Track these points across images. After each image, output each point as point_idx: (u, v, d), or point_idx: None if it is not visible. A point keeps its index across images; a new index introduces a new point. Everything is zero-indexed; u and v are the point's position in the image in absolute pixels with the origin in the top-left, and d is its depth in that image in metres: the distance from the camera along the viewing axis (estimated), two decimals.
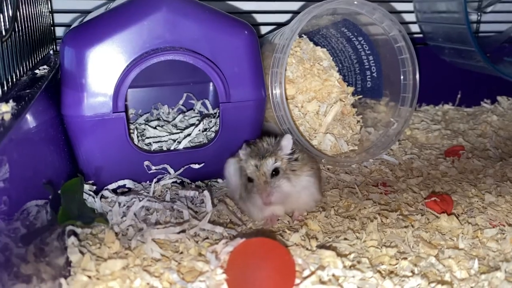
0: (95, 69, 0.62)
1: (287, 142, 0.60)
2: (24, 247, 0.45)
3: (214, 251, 0.50)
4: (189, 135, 0.74)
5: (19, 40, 0.61)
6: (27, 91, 0.55)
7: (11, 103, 0.48)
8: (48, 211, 0.53)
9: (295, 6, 1.08)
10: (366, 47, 0.90)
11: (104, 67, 0.63)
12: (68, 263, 0.49)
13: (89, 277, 0.46)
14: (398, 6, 1.18)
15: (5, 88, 0.54)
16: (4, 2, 0.50)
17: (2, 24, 0.51)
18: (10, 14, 0.53)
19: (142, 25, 0.64)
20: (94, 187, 0.62)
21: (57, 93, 0.66)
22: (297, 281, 0.47)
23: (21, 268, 0.43)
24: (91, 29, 0.64)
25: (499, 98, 1.20)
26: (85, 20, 0.72)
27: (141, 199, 0.60)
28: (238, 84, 0.70)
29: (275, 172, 0.58)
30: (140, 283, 0.46)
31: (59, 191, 0.55)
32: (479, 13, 1.26)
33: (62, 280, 0.45)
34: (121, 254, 0.50)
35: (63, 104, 0.63)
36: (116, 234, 0.55)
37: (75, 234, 0.52)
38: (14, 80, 0.58)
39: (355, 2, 0.77)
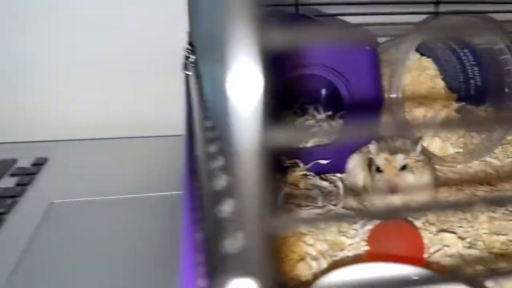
0: None
1: (419, 147, 0.70)
2: None
3: (359, 227, 0.62)
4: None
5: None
6: None
7: None
8: None
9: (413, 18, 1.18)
10: (471, 58, 0.98)
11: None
12: None
13: None
14: (498, 17, 1.23)
15: None
16: None
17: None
18: None
19: None
20: None
21: None
22: (426, 255, 0.58)
23: None
24: None
25: None
26: None
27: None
28: (360, 92, 0.83)
29: (403, 167, 0.69)
30: (299, 250, 0.60)
31: None
32: None
33: None
34: None
35: None
36: None
37: None
38: None
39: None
